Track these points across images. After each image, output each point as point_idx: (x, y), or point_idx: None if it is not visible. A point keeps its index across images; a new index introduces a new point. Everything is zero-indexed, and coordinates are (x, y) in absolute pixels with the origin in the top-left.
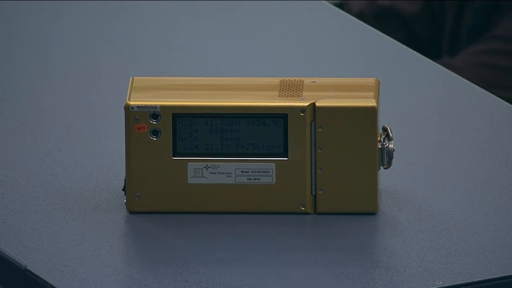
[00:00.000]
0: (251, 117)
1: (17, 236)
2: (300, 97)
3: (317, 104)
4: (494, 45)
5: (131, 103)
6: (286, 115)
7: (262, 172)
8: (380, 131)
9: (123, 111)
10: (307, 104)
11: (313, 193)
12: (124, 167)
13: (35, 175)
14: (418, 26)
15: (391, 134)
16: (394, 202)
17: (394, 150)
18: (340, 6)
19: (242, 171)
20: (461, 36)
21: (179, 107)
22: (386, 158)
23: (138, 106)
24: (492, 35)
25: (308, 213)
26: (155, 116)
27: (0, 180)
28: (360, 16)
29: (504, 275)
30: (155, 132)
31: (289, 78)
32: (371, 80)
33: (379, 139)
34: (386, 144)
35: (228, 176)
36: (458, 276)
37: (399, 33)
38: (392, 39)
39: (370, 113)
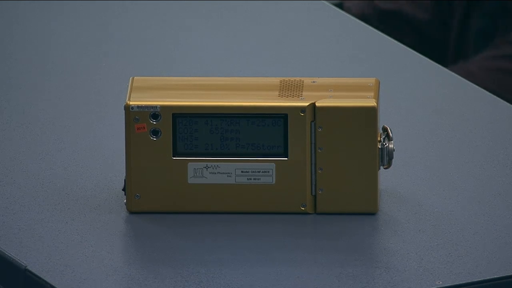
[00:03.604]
0: (251, 117)
1: (17, 236)
2: (300, 97)
3: (317, 104)
4: (510, 50)
5: (131, 103)
6: (286, 115)
7: (262, 172)
8: (380, 131)
9: (123, 111)
10: (307, 104)
11: (313, 193)
12: (124, 167)
13: (35, 175)
14: (427, 30)
15: (391, 134)
16: (394, 202)
17: (394, 150)
18: (340, 6)
19: (242, 171)
20: (469, 39)
21: (179, 107)
22: (386, 158)
23: (138, 106)
24: (508, 40)
25: (308, 213)
26: (155, 116)
27: (0, 180)
28: (362, 17)
29: (504, 275)
30: (155, 132)
31: (289, 78)
32: (371, 80)
33: (379, 139)
34: (386, 144)
35: (228, 176)
36: (458, 276)
37: (407, 36)
38: (392, 39)
39: (370, 113)
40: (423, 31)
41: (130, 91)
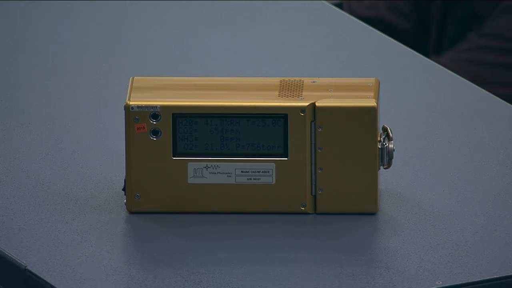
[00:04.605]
0: (251, 117)
1: (17, 236)
2: (300, 97)
3: (317, 104)
4: (483, 43)
5: (131, 103)
6: (286, 115)
7: (262, 172)
8: (380, 131)
9: (123, 111)
10: (307, 104)
11: (313, 193)
12: (124, 167)
13: (35, 175)
14: (406, 36)
15: (391, 134)
16: (394, 202)
17: (394, 150)
18: (340, 6)
19: (242, 171)
20: (444, 46)
21: (179, 107)
22: (386, 158)
23: (138, 106)
24: (479, 34)
25: (308, 213)
26: (155, 116)
27: (0, 180)
28: None
29: (504, 275)
30: (155, 132)
31: (289, 78)
32: (371, 80)
33: (379, 139)
34: (386, 144)
35: (228, 176)
36: (458, 276)
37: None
38: (392, 39)
39: (370, 113)
40: (403, 37)
41: (130, 91)
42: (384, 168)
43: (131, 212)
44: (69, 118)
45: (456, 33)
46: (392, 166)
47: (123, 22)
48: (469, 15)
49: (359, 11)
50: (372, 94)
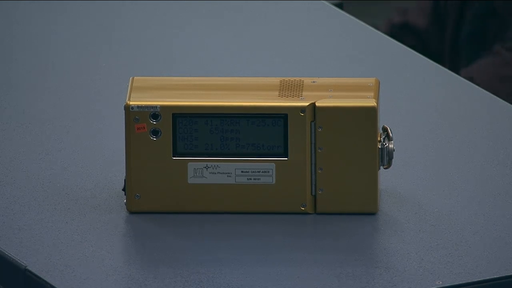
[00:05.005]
0: (251, 117)
1: (17, 236)
2: (300, 97)
3: (317, 104)
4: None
5: (131, 103)
6: (286, 115)
7: (262, 172)
8: (380, 131)
9: (123, 111)
10: (307, 104)
11: (313, 193)
12: (124, 167)
13: (35, 175)
14: (429, 36)
15: (391, 134)
16: (394, 202)
17: (394, 150)
18: (340, 6)
19: (242, 171)
20: (461, 42)
21: (179, 107)
22: (386, 158)
23: (138, 106)
24: (506, 47)
25: (308, 213)
26: (155, 116)
27: (0, 180)
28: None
29: (504, 275)
30: (155, 132)
31: (289, 78)
32: (371, 80)
33: (379, 139)
34: (386, 144)
35: (228, 176)
36: (458, 276)
37: (413, 46)
38: (392, 39)
39: (370, 113)
40: (427, 39)
41: (130, 91)
42: (384, 168)
43: (131, 212)
44: (69, 118)
45: (474, 28)
46: (392, 166)
47: (123, 22)
48: (488, 10)
49: (393, 19)
50: (372, 94)
